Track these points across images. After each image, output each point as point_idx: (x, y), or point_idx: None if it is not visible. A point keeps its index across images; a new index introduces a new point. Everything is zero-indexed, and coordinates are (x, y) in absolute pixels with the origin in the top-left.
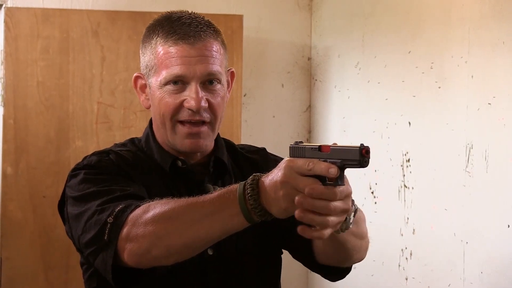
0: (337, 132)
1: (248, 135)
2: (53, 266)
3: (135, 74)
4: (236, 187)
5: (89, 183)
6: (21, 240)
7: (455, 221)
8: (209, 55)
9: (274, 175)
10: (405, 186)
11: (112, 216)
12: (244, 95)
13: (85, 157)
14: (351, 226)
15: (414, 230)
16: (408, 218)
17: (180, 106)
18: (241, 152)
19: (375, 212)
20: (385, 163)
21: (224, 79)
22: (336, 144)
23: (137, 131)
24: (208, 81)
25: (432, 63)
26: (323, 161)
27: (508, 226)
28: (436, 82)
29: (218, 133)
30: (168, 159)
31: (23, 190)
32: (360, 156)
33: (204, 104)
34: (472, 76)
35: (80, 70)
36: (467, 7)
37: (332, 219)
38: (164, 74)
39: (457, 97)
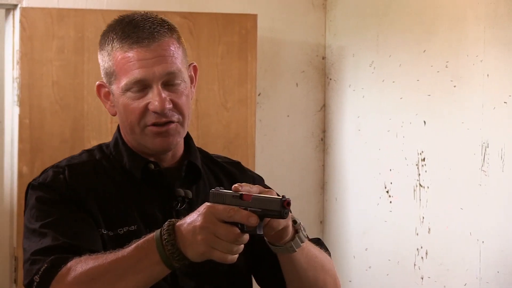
0: (351, 131)
1: (263, 134)
2: None
3: (97, 83)
4: (153, 235)
5: (37, 213)
6: None
7: (471, 220)
8: (166, 55)
9: (193, 220)
10: (420, 185)
11: (38, 276)
12: (259, 95)
13: (44, 170)
14: (302, 244)
15: (429, 229)
16: (423, 218)
17: (145, 110)
18: (217, 161)
19: (390, 211)
20: (400, 163)
21: (185, 76)
22: (267, 190)
23: None
24: (169, 81)
25: (447, 62)
26: (244, 209)
27: None
28: (451, 81)
29: (192, 139)
30: (139, 162)
31: None
32: (281, 207)
33: (168, 105)
34: (487, 75)
35: (95, 70)
36: (482, 6)
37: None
38: (124, 81)
39: (472, 96)
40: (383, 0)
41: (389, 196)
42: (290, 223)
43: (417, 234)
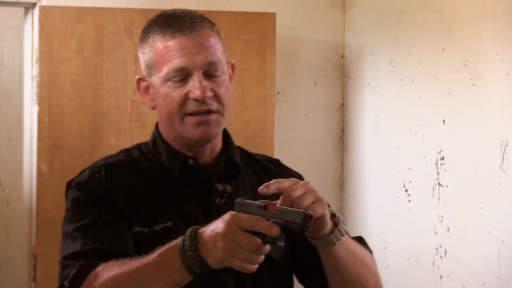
0: (370, 130)
1: (281, 133)
2: None
3: (136, 77)
4: (176, 241)
5: (71, 215)
6: (56, 238)
7: (490, 219)
8: (207, 45)
9: (216, 227)
10: (439, 184)
11: (68, 281)
12: (277, 93)
13: (82, 171)
14: (341, 238)
15: (448, 228)
16: (442, 216)
17: (185, 99)
18: (256, 158)
19: (409, 210)
20: (419, 161)
21: (225, 68)
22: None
23: None
24: (210, 72)
25: (467, 60)
26: (266, 219)
27: None
28: (470, 79)
29: (230, 136)
30: (178, 158)
31: (57, 188)
32: (303, 220)
33: (209, 93)
34: (507, 74)
35: (114, 68)
36: (501, 4)
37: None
38: (165, 69)
39: (491, 94)
40: None
41: (408, 195)
42: (327, 212)
43: (436, 233)
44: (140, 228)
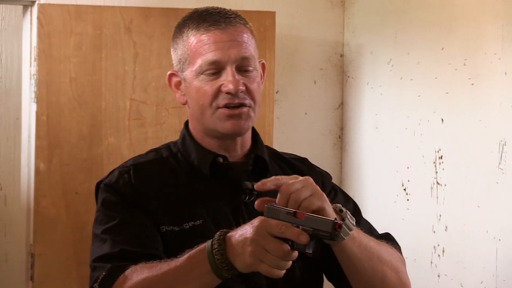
0: (369, 129)
1: (281, 132)
2: (86, 262)
3: (168, 72)
4: (205, 245)
5: (101, 217)
6: (54, 236)
7: (488, 218)
8: (241, 40)
9: (245, 231)
10: (437, 183)
11: (97, 284)
12: (277, 92)
13: (112, 171)
14: (350, 232)
15: (446, 227)
16: (440, 215)
17: (218, 92)
18: (284, 157)
19: (408, 209)
20: (417, 160)
21: (257, 65)
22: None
23: (169, 128)
24: (243, 67)
25: (466, 59)
26: (296, 226)
27: None
28: (469, 79)
29: (259, 135)
30: (208, 156)
31: (56, 187)
32: (332, 229)
33: (241, 87)
34: (505, 73)
35: (112, 66)
36: (501, 3)
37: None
38: (199, 62)
39: (490, 94)
40: None
41: (407, 194)
42: (326, 205)
43: (434, 231)
44: (170, 227)
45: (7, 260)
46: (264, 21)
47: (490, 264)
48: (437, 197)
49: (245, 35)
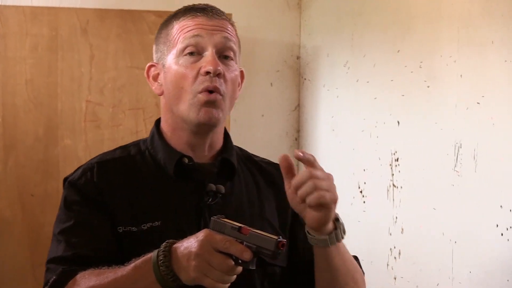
0: (325, 131)
1: (237, 134)
2: (42, 264)
3: (148, 64)
4: (151, 255)
5: (60, 216)
6: (10, 239)
7: (444, 221)
8: (225, 28)
9: (190, 245)
10: (393, 185)
11: (48, 287)
12: None
13: (78, 168)
14: (337, 243)
15: (402, 229)
16: (396, 217)
17: (197, 75)
18: (255, 160)
19: (364, 211)
20: (373, 162)
21: (238, 61)
22: (255, 229)
23: (126, 129)
24: (224, 52)
25: (421, 62)
26: (240, 242)
27: (497, 225)
28: (425, 81)
29: (230, 136)
30: (174, 156)
31: (11, 188)
32: (275, 248)
33: (220, 68)
34: (461, 75)
35: (68, 68)
36: (456, 6)
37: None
38: (181, 42)
39: (446, 96)
40: (358, 0)
41: (363, 196)
42: (333, 207)
43: (390, 234)
44: (127, 227)
45: None
46: None
47: (446, 266)
48: (393, 199)
49: (229, 28)
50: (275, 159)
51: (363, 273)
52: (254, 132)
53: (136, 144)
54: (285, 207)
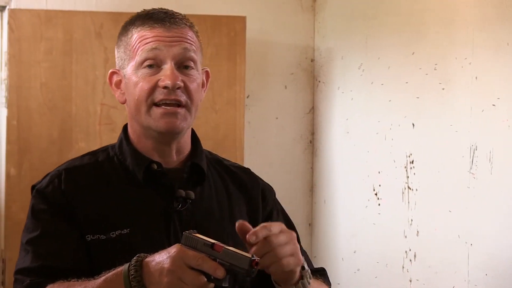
0: (340, 134)
1: (251, 136)
2: None
3: (110, 70)
4: (122, 269)
5: (28, 224)
6: None
7: (459, 223)
8: (184, 38)
9: (162, 260)
10: (408, 187)
11: None
12: (247, 97)
13: (46, 175)
14: (308, 285)
15: (418, 232)
16: (412, 220)
17: (155, 87)
18: (225, 164)
19: (379, 214)
20: (388, 165)
21: (199, 68)
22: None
23: None
24: (184, 66)
25: (436, 64)
26: (213, 259)
27: None
28: (439, 83)
29: (199, 141)
30: (142, 162)
31: (26, 191)
32: (248, 266)
33: (179, 82)
34: (476, 78)
35: (83, 71)
36: (471, 9)
37: None
38: (139, 54)
39: (461, 98)
40: (372, 2)
41: (378, 198)
42: (298, 269)
43: (406, 236)
44: (96, 235)
45: None
46: (234, 26)
47: (462, 269)
48: (409, 202)
49: (189, 35)
50: (290, 162)
51: (329, 285)
52: (268, 135)
53: (104, 149)
54: (256, 212)
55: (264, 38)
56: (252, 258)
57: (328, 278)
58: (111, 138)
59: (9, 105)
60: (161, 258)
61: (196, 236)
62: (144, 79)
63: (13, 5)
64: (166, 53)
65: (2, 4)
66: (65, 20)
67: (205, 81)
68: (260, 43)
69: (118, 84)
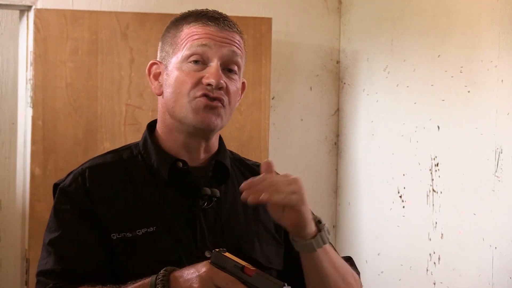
0: (365, 136)
1: (276, 138)
2: None
3: (151, 61)
4: (148, 281)
5: (51, 223)
6: None
7: (484, 226)
8: (234, 43)
9: (191, 278)
10: (433, 190)
11: None
12: (272, 98)
13: (69, 173)
14: (323, 246)
15: (442, 234)
16: (436, 223)
17: (198, 83)
18: (247, 163)
19: (403, 216)
20: (413, 167)
21: (241, 75)
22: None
23: None
24: (228, 69)
25: (462, 67)
26: (243, 282)
27: None
28: (465, 86)
29: (223, 141)
30: (168, 160)
31: (50, 191)
32: None
33: (223, 82)
34: (502, 81)
35: (108, 71)
36: (497, 11)
37: None
38: (187, 47)
39: (486, 101)
40: (397, 4)
41: (402, 201)
42: (304, 209)
43: (430, 239)
44: (121, 234)
45: (2, 265)
46: (260, 27)
47: (486, 272)
48: (433, 205)
49: (238, 41)
50: (314, 163)
51: (359, 273)
52: (293, 137)
53: (127, 148)
54: None
55: (290, 39)
56: (284, 285)
57: (356, 266)
58: (136, 138)
59: (35, 105)
60: (190, 276)
61: (225, 256)
62: (188, 73)
63: (39, 5)
64: (215, 51)
65: (28, 4)
66: (91, 20)
67: (240, 93)
68: (285, 44)
69: (157, 76)
